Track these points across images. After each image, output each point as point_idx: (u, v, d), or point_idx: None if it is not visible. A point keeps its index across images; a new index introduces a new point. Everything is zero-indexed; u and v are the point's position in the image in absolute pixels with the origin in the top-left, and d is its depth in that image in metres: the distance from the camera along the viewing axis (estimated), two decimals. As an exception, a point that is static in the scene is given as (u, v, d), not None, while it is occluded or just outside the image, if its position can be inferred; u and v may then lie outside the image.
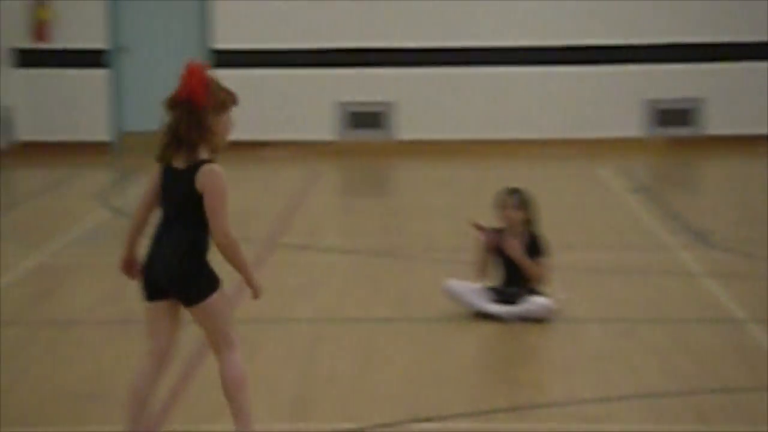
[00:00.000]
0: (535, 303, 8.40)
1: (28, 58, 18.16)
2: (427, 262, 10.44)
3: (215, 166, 5.59)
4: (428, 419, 6.46)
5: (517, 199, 8.54)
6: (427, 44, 18.19)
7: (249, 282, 5.71)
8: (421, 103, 18.24)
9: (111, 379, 7.06)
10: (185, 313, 5.71)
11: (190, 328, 7.71)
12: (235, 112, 5.71)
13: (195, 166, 5.56)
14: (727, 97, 18.15)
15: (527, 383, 7.14)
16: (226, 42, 18.13)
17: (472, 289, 8.56)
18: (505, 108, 18.22)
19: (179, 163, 5.59)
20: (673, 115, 18.27)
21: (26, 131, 18.10)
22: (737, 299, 8.95)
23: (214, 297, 5.66)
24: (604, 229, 12.01)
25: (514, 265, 8.52)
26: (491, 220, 8.69)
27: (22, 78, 18.12)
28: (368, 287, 9.54)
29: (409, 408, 6.63)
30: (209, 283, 5.65)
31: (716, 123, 18.18)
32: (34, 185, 15.34)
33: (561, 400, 6.81)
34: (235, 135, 5.73)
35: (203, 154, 5.60)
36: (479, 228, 8.59)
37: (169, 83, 5.78)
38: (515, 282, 8.52)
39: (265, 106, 17.99)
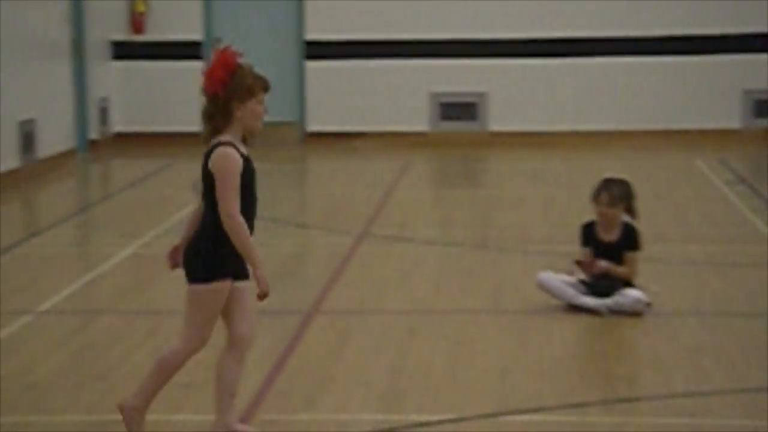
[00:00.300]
0: (627, 296, 8.32)
1: (124, 50, 18.38)
2: (520, 253, 10.39)
3: (226, 149, 5.60)
4: (521, 411, 6.42)
5: (609, 196, 8.44)
6: (520, 35, 18.08)
7: (254, 271, 5.63)
8: (514, 94, 18.15)
9: (206, 370, 7.12)
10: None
11: (278, 319, 7.76)
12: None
13: (212, 149, 5.62)
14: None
15: (621, 376, 7.06)
16: (318, 33, 18.19)
17: (566, 282, 8.50)
18: (598, 99, 18.05)
19: (206, 147, 5.67)
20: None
21: (121, 122, 18.33)
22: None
23: (201, 288, 5.65)
24: (701, 221, 11.85)
25: (607, 258, 8.43)
26: (586, 211, 8.61)
27: (118, 70, 18.35)
28: (461, 279, 9.52)
29: (502, 400, 6.60)
30: (205, 271, 5.63)
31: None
32: (129, 176, 15.53)
33: (655, 393, 6.73)
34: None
35: (226, 139, 5.62)
36: (580, 264, 8.48)
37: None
38: (608, 275, 8.43)
39: (357, 98, 18.01)
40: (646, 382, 7.03)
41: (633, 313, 8.27)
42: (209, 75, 5.64)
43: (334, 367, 7.24)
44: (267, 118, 5.81)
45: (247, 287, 5.77)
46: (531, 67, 18.13)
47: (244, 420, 6.18)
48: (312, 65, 18.07)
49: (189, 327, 5.73)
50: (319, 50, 18.11)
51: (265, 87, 5.70)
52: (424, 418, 6.33)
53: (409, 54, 18.20)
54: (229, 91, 5.61)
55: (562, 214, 11.96)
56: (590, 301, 8.37)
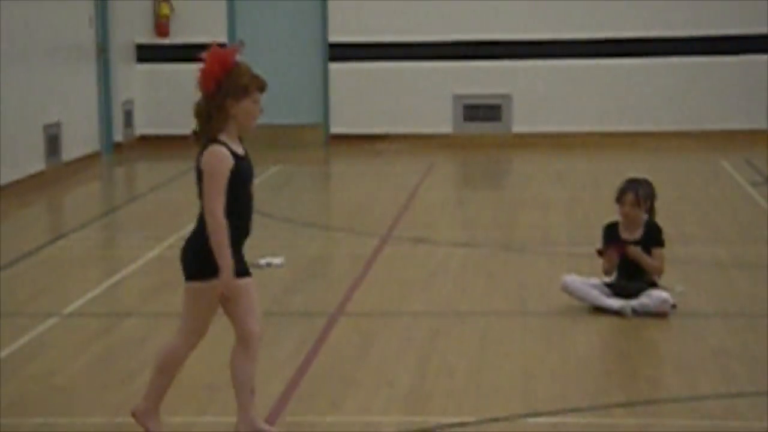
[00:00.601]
0: (652, 297, 8.29)
1: (148, 53, 18.43)
2: (544, 255, 10.37)
3: (216, 147, 5.61)
4: (545, 413, 6.41)
5: (634, 197, 8.42)
6: (543, 36, 18.06)
7: (219, 270, 5.60)
8: (538, 95, 18.13)
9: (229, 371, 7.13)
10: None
11: (303, 320, 7.76)
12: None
13: (204, 147, 5.64)
14: None
15: (645, 378, 7.04)
16: (342, 35, 18.21)
17: (590, 284, 8.48)
18: (623, 100, 18.01)
19: (198, 145, 5.70)
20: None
21: (145, 125, 18.39)
22: None
23: (198, 285, 5.67)
24: (727, 222, 11.80)
25: (631, 259, 8.41)
26: (610, 213, 8.59)
27: (143, 73, 18.41)
28: (484, 280, 9.51)
29: (526, 402, 6.59)
30: (202, 268, 5.64)
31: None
32: (154, 178, 15.58)
33: (680, 395, 6.71)
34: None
35: (220, 137, 5.63)
36: (603, 252, 8.46)
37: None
38: (632, 276, 8.42)
39: (381, 100, 18.02)
40: (670, 383, 7.01)
41: (658, 314, 8.25)
42: (204, 72, 5.65)
43: (358, 368, 7.24)
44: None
45: (250, 283, 5.79)
46: (555, 69, 18.10)
47: (269, 421, 6.19)
48: (336, 67, 18.08)
49: (187, 323, 5.78)
50: (342, 52, 18.12)
51: (261, 86, 5.69)
52: (448, 419, 6.33)
53: (433, 56, 18.19)
54: (225, 89, 5.61)
55: (586, 215, 11.93)
56: (615, 302, 8.35)
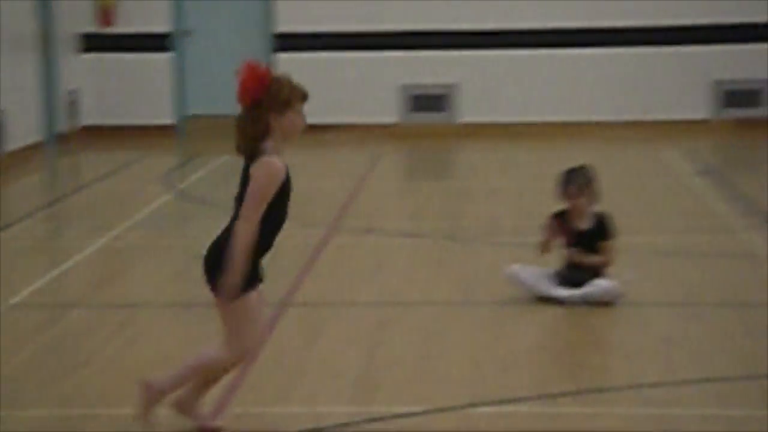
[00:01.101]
0: (598, 286, 8.34)
1: (93, 43, 18.30)
2: (490, 245, 10.41)
3: (273, 159, 5.61)
4: (493, 403, 6.44)
5: (576, 186, 8.46)
6: (489, 26, 18.10)
7: (229, 275, 5.58)
8: (483, 85, 18.17)
9: (176, 362, 7.10)
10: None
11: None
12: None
13: (251, 157, 5.63)
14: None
15: (591, 367, 7.09)
16: (288, 25, 18.16)
17: (536, 274, 8.52)
18: (568, 90, 18.10)
19: (245, 159, 5.66)
20: (740, 97, 18.05)
21: (91, 115, 18.25)
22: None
23: (238, 300, 5.63)
24: (670, 212, 11.90)
25: (582, 246, 8.46)
26: (556, 202, 8.63)
27: (87, 62, 18.27)
28: (431, 271, 9.53)
29: (473, 392, 6.61)
30: (242, 282, 5.61)
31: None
32: (99, 169, 15.47)
33: (626, 384, 6.76)
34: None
35: (267, 149, 5.62)
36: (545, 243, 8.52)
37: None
38: (579, 265, 8.46)
39: (327, 90, 18.00)
40: (616, 372, 7.06)
41: (604, 303, 8.30)
42: (241, 88, 5.64)
43: (306, 359, 7.23)
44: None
45: (260, 293, 5.77)
46: (500, 59, 18.15)
47: (215, 413, 6.17)
48: (282, 57, 18.04)
49: (231, 337, 5.71)
50: (289, 42, 18.08)
51: (303, 97, 5.75)
52: (396, 409, 6.34)
53: (379, 46, 18.19)
54: (266, 104, 5.62)
55: (532, 205, 11.98)
56: (561, 292, 8.40)
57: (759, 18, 17.86)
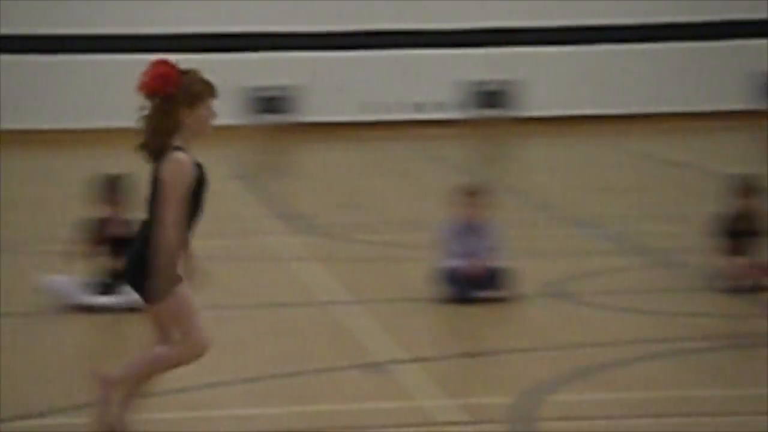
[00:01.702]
0: (131, 292, 8.35)
1: None
2: (24, 254, 10.17)
3: (180, 155, 5.48)
4: (33, 416, 6.30)
5: (110, 194, 8.53)
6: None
7: (154, 278, 5.50)
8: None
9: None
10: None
11: None
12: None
13: (157, 157, 5.48)
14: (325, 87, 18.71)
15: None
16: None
17: (73, 282, 8.42)
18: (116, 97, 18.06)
19: (152, 158, 5.50)
20: (270, 103, 18.61)
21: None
22: (338, 281, 9.24)
23: (170, 301, 5.55)
24: (203, 216, 12.04)
25: (117, 255, 8.44)
26: (82, 210, 8.58)
27: None
28: None
29: (12, 404, 6.44)
30: (166, 284, 5.50)
31: (315, 111, 18.72)
32: None
33: (164, 388, 6.79)
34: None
35: (177, 143, 5.48)
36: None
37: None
38: (113, 272, 8.44)
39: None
40: (156, 378, 7.07)
41: (137, 309, 8.31)
42: (152, 81, 5.42)
43: None
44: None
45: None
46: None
47: None
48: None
49: (185, 335, 5.60)
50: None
51: (214, 92, 5.55)
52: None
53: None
54: (176, 97, 5.42)
55: (66, 213, 11.81)
56: (101, 299, 8.35)
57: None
